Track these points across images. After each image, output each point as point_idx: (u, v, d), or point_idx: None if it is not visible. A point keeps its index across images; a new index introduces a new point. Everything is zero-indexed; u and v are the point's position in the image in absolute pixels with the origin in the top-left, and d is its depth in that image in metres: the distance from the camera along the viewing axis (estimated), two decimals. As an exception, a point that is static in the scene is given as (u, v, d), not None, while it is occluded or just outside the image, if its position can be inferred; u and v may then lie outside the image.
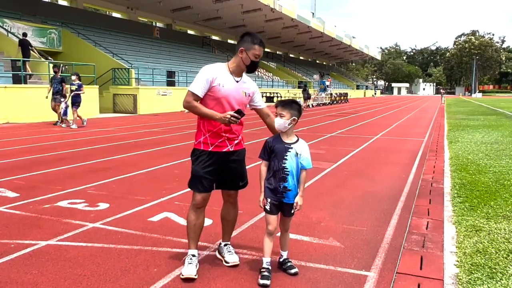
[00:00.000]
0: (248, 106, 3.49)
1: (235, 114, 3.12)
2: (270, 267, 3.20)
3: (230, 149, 3.33)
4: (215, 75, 3.23)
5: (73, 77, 15.25)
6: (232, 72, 3.32)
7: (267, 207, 3.21)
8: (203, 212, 3.40)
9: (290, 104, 3.20)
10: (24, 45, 18.72)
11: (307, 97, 31.58)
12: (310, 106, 31.99)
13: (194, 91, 3.24)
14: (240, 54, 3.26)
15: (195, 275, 3.19)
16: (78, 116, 15.00)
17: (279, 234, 3.40)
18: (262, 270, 3.18)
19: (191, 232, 3.37)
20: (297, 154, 3.17)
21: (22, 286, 3.03)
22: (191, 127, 14.69)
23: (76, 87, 14.94)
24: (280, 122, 3.16)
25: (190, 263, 3.26)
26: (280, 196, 3.19)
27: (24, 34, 19.31)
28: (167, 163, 7.97)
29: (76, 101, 14.95)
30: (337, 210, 5.02)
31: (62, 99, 15.40)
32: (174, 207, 5.00)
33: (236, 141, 3.37)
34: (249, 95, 3.40)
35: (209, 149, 3.28)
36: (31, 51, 19.05)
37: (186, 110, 3.37)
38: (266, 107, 3.56)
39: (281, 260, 3.37)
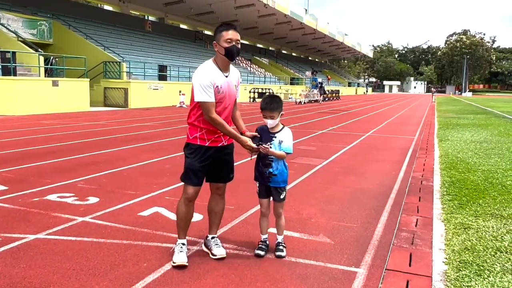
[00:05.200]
0: None
1: (255, 147, 3.33)
2: (267, 242, 3.57)
3: (224, 143, 3.41)
4: (214, 78, 3.24)
5: None
6: (222, 69, 3.32)
7: (257, 190, 3.57)
8: (193, 204, 3.45)
9: (276, 105, 3.40)
10: None
11: (323, 92, 37.16)
12: (302, 103, 32.12)
13: (209, 100, 3.19)
14: (215, 48, 3.29)
15: (187, 263, 3.29)
16: None
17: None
18: (259, 243, 3.57)
19: (182, 224, 3.44)
20: (280, 141, 3.41)
21: (10, 280, 3.00)
22: (182, 122, 14.63)
23: None
24: (271, 122, 3.41)
25: (181, 251, 3.36)
26: (267, 180, 3.47)
27: None
28: (158, 157, 7.94)
29: None
30: (327, 207, 5.03)
31: None
32: (164, 202, 4.98)
33: None
34: (235, 86, 3.44)
35: (206, 144, 3.32)
36: None
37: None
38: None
39: (275, 243, 3.59)
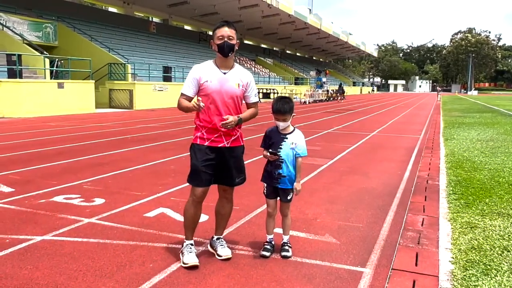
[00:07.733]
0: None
1: (197, 102, 3.23)
2: (272, 242, 3.58)
3: (227, 145, 3.37)
4: (201, 73, 3.34)
5: None
6: (219, 66, 3.37)
7: (265, 191, 3.56)
8: (201, 206, 3.45)
9: (288, 107, 3.40)
10: None
11: (342, 92, 40.43)
12: (306, 103, 32.10)
13: (184, 92, 3.39)
14: (213, 47, 3.36)
15: (198, 263, 3.30)
16: None
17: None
18: (265, 243, 3.57)
19: (190, 224, 3.45)
20: (292, 143, 3.43)
21: (17, 281, 3.02)
22: (187, 123, 14.66)
23: None
24: (283, 124, 3.43)
25: (190, 252, 3.37)
26: (275, 182, 3.47)
27: None
28: (163, 158, 7.95)
29: None
30: (333, 206, 5.02)
31: None
32: (170, 203, 4.99)
33: (233, 138, 3.40)
34: (243, 86, 3.42)
35: (205, 144, 3.34)
36: None
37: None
38: (256, 102, 3.57)
39: (281, 243, 3.60)
